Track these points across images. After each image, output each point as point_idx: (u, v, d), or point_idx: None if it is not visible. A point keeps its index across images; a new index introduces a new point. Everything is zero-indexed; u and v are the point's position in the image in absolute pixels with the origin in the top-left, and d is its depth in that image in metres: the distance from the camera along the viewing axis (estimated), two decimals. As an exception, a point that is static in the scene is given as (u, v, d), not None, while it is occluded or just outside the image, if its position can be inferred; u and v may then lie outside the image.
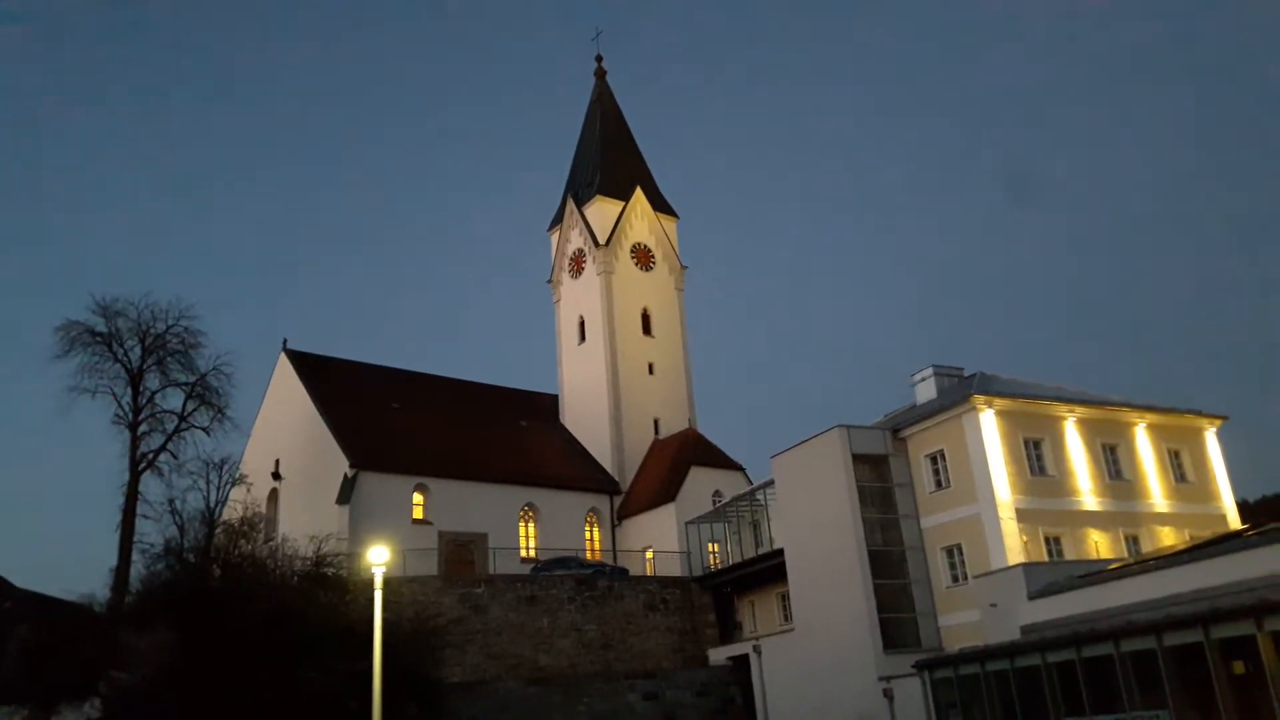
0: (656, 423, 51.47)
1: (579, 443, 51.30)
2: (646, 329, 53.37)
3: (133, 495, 33.13)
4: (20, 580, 34.43)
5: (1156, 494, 32.14)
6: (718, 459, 48.39)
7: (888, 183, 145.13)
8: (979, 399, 30.41)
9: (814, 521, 32.83)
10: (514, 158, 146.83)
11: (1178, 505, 32.30)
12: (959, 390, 33.22)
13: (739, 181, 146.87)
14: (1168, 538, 30.99)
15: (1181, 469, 33.34)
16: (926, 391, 35.37)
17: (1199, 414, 34.54)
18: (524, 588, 37.20)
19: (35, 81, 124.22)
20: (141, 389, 34.39)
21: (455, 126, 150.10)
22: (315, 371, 46.56)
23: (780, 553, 35.35)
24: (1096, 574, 24.84)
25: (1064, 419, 31.70)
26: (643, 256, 54.88)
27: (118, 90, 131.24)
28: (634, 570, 42.98)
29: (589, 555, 45.32)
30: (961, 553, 30.38)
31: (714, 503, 44.61)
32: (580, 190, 56.18)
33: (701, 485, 46.18)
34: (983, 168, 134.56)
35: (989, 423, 30.20)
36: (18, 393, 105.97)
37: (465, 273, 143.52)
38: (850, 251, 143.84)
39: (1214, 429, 34.55)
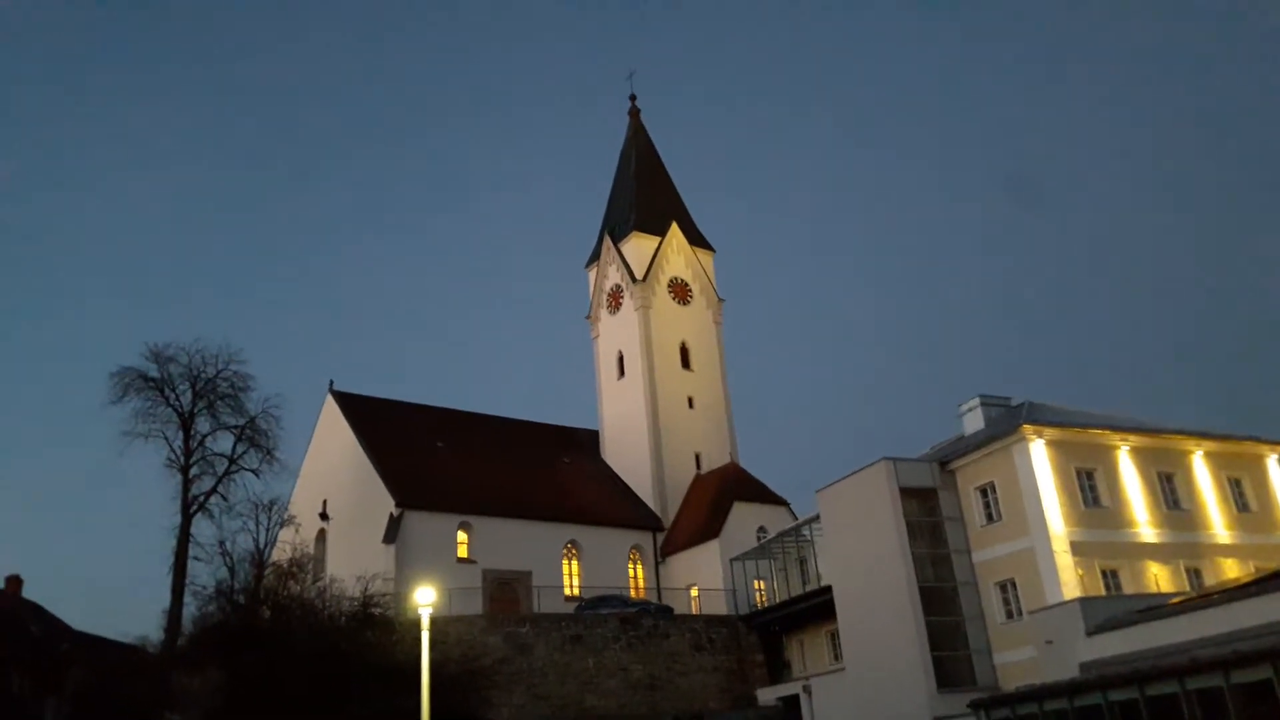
0: (698, 457, 51.40)
1: (620, 479, 51.29)
2: (685, 363, 53.51)
3: (184, 538, 33.60)
4: (77, 623, 35.46)
5: (1218, 524, 31.47)
6: (761, 494, 48.09)
7: (928, 210, 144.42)
8: (1028, 429, 30.11)
9: (862, 557, 32.54)
10: (550, 197, 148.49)
11: (1240, 536, 31.60)
12: (1007, 420, 32.91)
13: (777, 213, 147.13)
14: (1231, 570, 30.29)
15: (1243, 498, 32.62)
16: (974, 422, 35.08)
17: (1259, 440, 33.88)
18: (569, 627, 37.15)
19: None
20: (193, 432, 35.05)
21: (492, 167, 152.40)
22: (361, 412, 47.15)
23: (828, 590, 35.00)
24: (1157, 608, 24.37)
25: (1117, 448, 31.28)
26: (680, 291, 55.15)
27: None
28: (679, 608, 42.76)
29: (633, 593, 45.07)
30: (1015, 588, 29.91)
31: (758, 539, 44.31)
32: (617, 227, 56.72)
33: (745, 521, 45.84)
34: (1024, 186, 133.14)
35: (1039, 453, 29.87)
36: (72, 440, 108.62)
37: (504, 312, 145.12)
38: (891, 280, 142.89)
39: (1276, 456, 33.89)
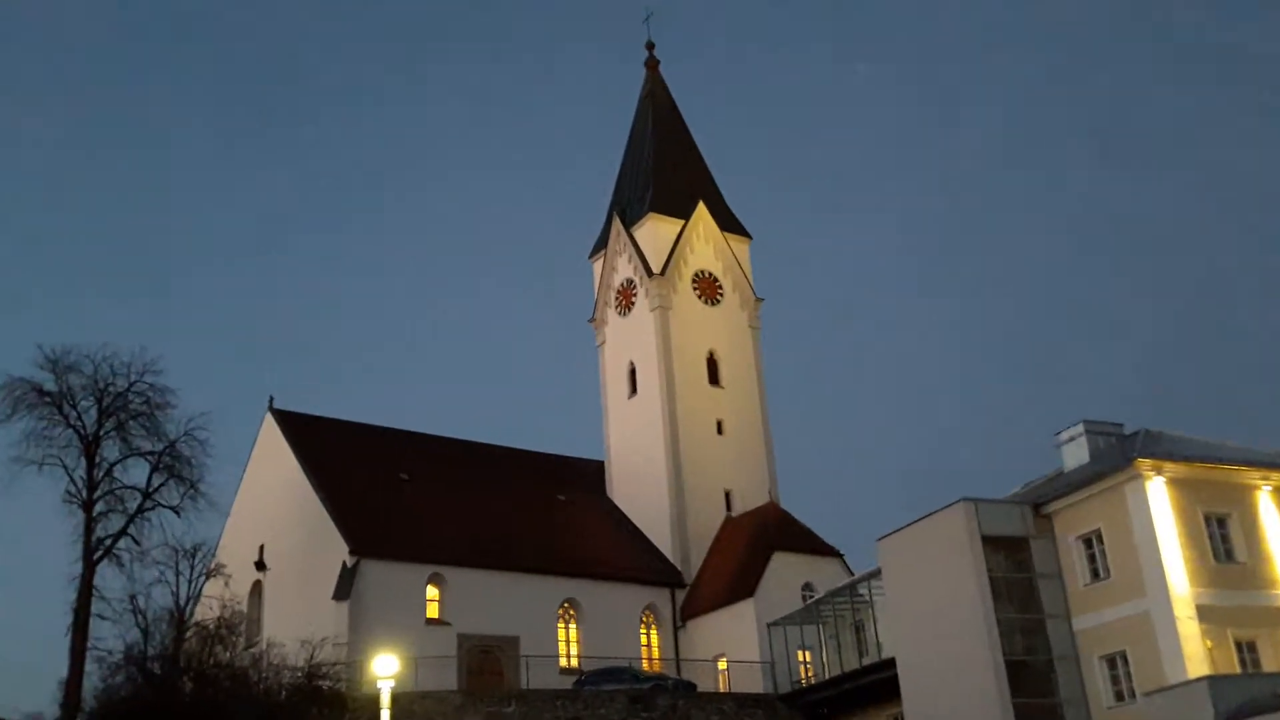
0: (728, 496, 51.23)
1: (631, 521, 51.08)
2: (714, 377, 53.24)
3: (86, 591, 33.56)
4: (-48, 697, 35.46)
5: (1386, 586, 31.09)
6: (808, 542, 47.88)
7: (1014, 190, 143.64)
8: (1144, 464, 29.95)
9: (934, 623, 32.29)
10: (544, 171, 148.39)
11: None
12: (1118, 453, 32.71)
13: (826, 193, 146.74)
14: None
15: None
16: (1076, 455, 34.93)
17: None
18: (565, 707, 36.82)
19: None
20: (98, 460, 35.16)
21: (469, 136, 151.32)
22: (307, 436, 47.13)
23: (891, 663, 34.81)
24: (1308, 691, 24.17)
25: (1256, 488, 31.13)
26: (708, 287, 54.90)
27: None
28: (703, 684, 42.53)
29: (646, 665, 45.07)
30: (1126, 662, 29.69)
31: (804, 599, 44.21)
32: (629, 207, 56.50)
33: (787, 576, 45.73)
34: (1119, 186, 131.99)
35: (1158, 494, 29.74)
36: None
37: (487, 315, 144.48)
38: (968, 277, 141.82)
39: None
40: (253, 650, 38.42)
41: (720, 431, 52.25)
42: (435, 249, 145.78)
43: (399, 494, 45.92)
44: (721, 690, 42.83)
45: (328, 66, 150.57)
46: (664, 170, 56.89)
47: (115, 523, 34.72)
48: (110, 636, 33.24)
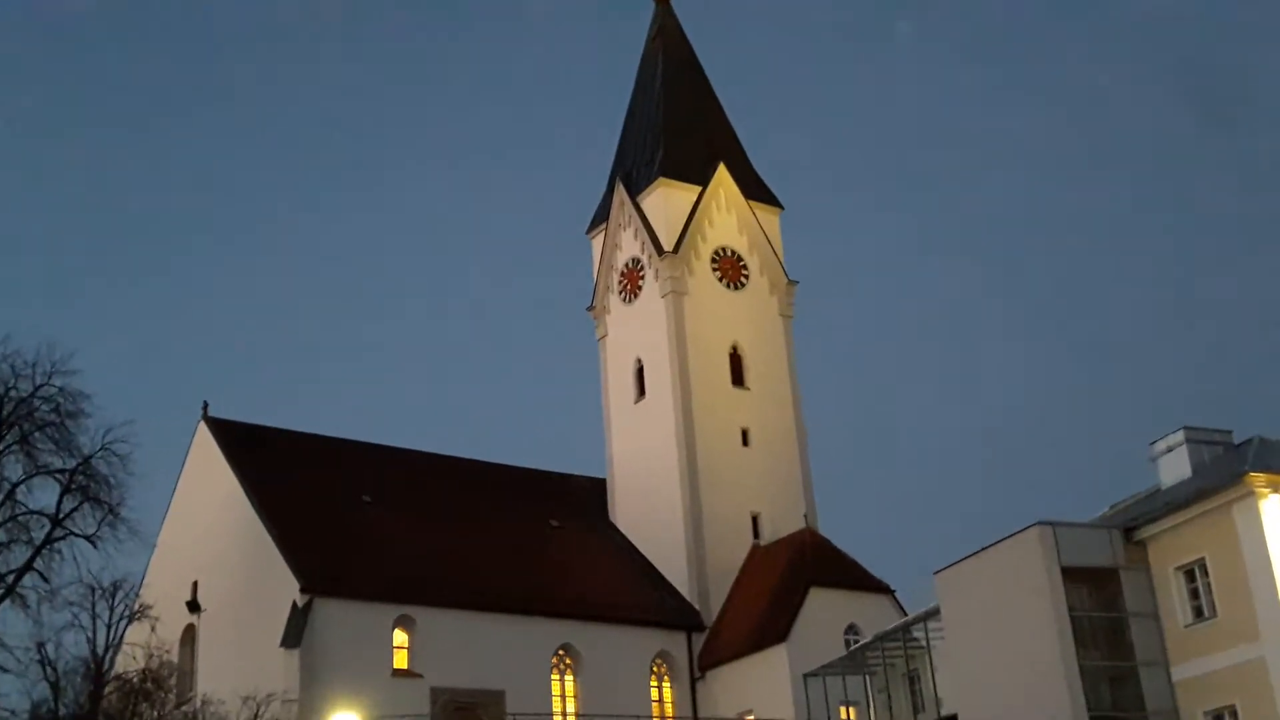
0: (755, 520, 51.32)
1: (638, 551, 51.35)
2: (738, 377, 53.23)
3: (-15, 638, 33.35)
4: None
5: None
6: (851, 576, 47.85)
7: (1083, 163, 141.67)
8: (1258, 479, 29.78)
9: (1004, 672, 32.25)
10: (530, 129, 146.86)
11: None
12: (1227, 466, 32.53)
13: (872, 159, 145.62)
14: None
15: None
16: (1176, 468, 34.78)
17: None
18: (560, 774, 37.23)
19: None
20: (-2, 480, 34.72)
21: (439, 95, 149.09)
22: (250, 450, 47.11)
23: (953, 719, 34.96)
24: None
25: (1396, 509, 30.99)
26: (730, 268, 54.84)
27: None
28: (727, 746, 42.94)
29: (658, 723, 44.15)
30: (1236, 718, 29.53)
31: (848, 644, 44.21)
32: (635, 171, 56.24)
33: (828, 616, 45.76)
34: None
35: (1275, 515, 29.54)
36: None
37: (463, 306, 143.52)
38: (1041, 258, 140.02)
39: None
40: (185, 708, 38.57)
41: (746, 442, 52.15)
42: (401, 231, 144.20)
43: (360, 519, 45.88)
44: (749, 753, 42.95)
45: (235, 42, 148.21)
46: (677, 127, 56.49)
47: (19, 555, 34.33)
48: (14, 693, 33.15)
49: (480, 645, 43.24)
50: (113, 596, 34.97)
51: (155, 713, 31.76)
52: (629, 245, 55.65)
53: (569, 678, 45.77)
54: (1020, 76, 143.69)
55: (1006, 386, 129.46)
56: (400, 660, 42.57)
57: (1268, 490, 29.84)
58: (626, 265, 55.60)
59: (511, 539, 48.46)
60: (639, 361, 54.10)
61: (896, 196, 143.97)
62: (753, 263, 55.65)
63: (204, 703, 35.58)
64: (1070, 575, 31.50)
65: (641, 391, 53.65)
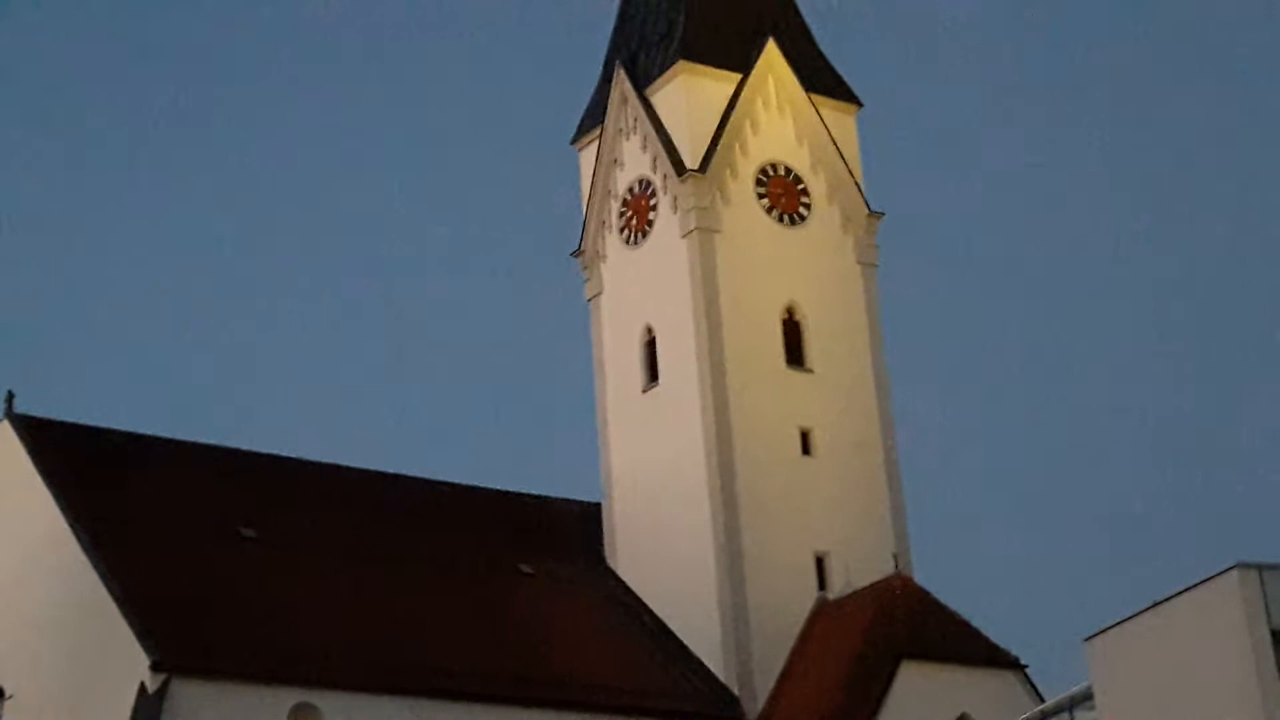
0: (821, 563, 44.30)
1: (647, 609, 44.87)
2: (795, 355, 46.28)
3: None
4: None
5: None
6: (962, 643, 42.05)
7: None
8: None
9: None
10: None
11: None
12: None
13: (989, 46, 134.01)
14: None
15: None
16: None
17: None
18: None
19: None
20: None
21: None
22: (75, 461, 41.22)
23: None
24: None
25: None
26: (784, 194, 47.56)
27: None
28: None
29: None
30: None
31: (960, 739, 40.65)
32: (643, 54, 49.36)
33: (928, 698, 40.33)
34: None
35: None
36: None
37: (392, 239, 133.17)
38: (1208, 214, 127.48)
39: None
40: None
41: (807, 450, 45.16)
42: (284, 144, 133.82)
43: (239, 562, 40.15)
44: None
45: None
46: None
47: None
48: None
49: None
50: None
51: None
52: (634, 161, 48.12)
53: (550, 792, 40.90)
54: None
55: (1173, 380, 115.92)
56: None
57: None
58: (631, 190, 48.16)
59: (463, 592, 42.69)
60: (649, 331, 46.77)
61: (1036, 99, 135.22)
62: (817, 186, 47.78)
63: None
64: (1282, 639, 27.92)
65: (654, 375, 46.44)
